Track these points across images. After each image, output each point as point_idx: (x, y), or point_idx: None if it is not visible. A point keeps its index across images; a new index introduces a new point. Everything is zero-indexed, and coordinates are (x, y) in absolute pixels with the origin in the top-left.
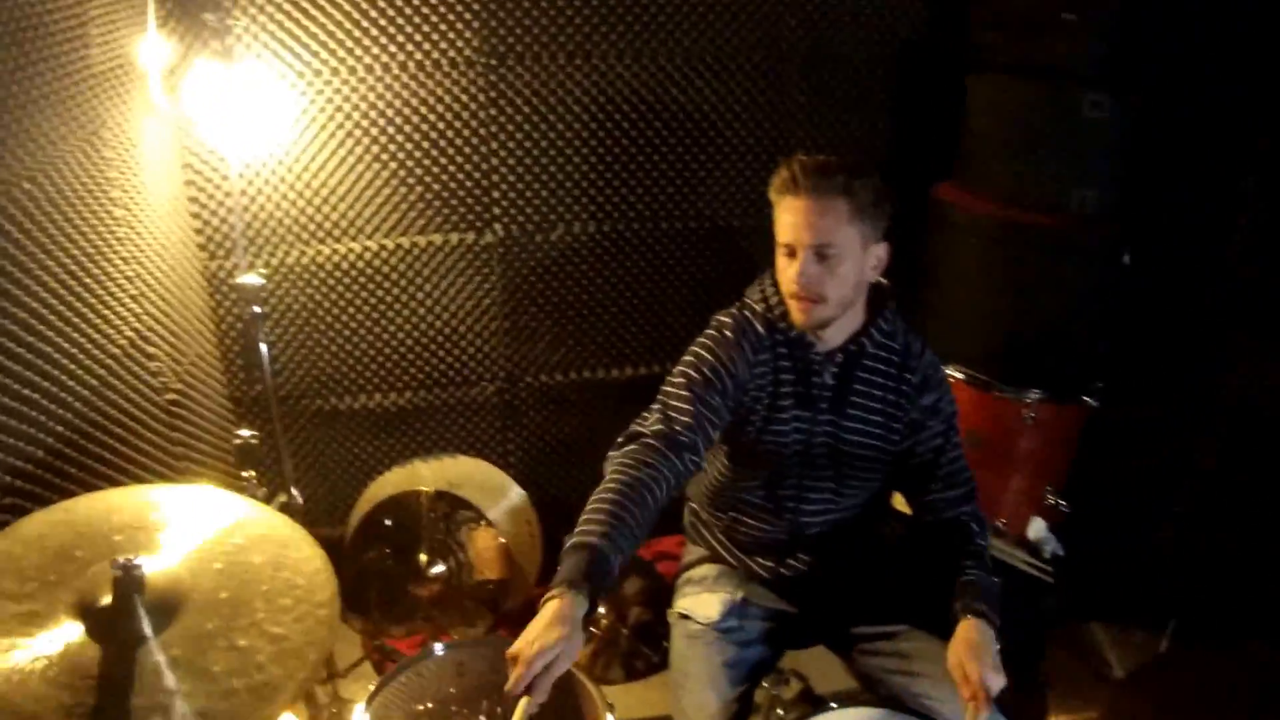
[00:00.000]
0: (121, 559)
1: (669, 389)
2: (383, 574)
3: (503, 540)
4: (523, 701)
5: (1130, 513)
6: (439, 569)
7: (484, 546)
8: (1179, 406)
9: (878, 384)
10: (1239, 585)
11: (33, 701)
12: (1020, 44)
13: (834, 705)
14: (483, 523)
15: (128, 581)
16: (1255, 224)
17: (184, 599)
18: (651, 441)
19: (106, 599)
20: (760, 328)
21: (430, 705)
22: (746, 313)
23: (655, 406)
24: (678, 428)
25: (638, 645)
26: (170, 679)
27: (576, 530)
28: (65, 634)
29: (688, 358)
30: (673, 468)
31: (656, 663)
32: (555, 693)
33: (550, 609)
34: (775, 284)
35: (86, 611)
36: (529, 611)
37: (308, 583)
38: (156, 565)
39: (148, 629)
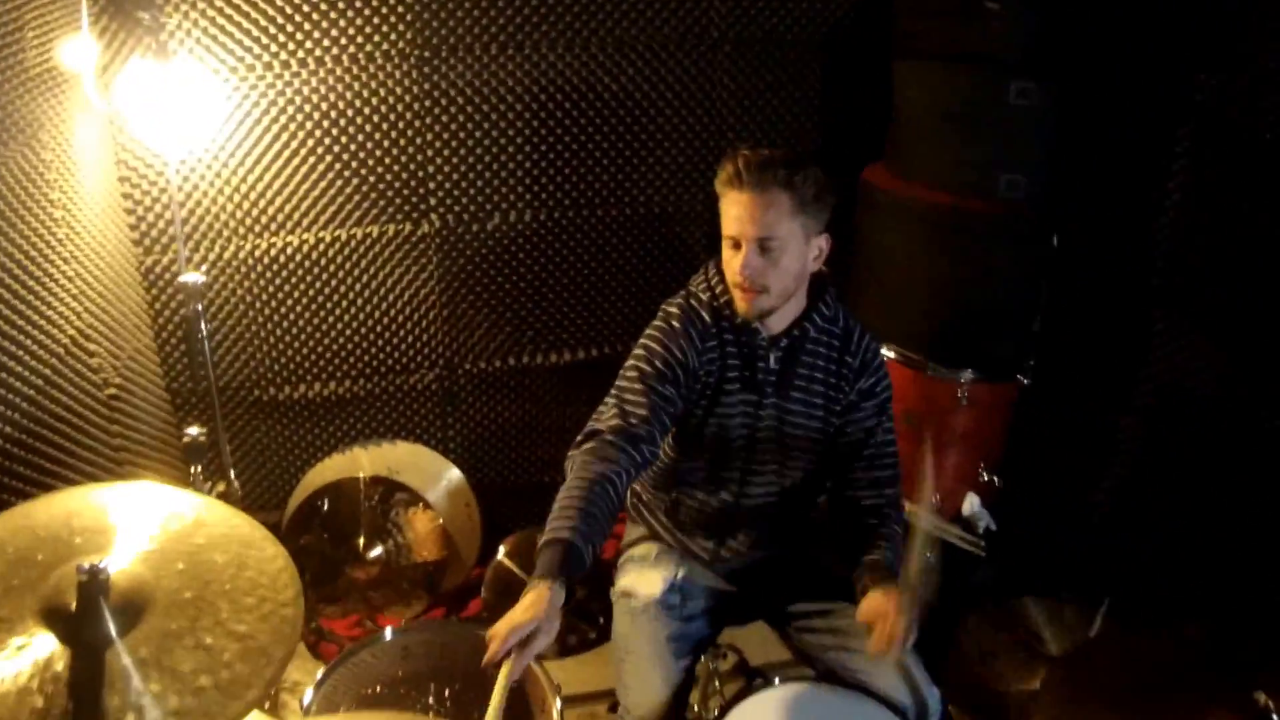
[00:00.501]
0: (86, 564)
1: (623, 384)
2: (319, 557)
3: (440, 522)
4: (504, 670)
5: (1061, 489)
6: (377, 552)
7: (422, 528)
8: (1106, 384)
9: (820, 367)
10: (1170, 563)
11: (6, 709)
12: (947, 31)
13: (776, 680)
14: (421, 505)
15: (92, 585)
16: (1180, 209)
17: (149, 600)
18: (610, 438)
19: (72, 604)
20: (706, 316)
21: (378, 689)
22: (693, 301)
23: (610, 401)
24: (634, 421)
25: (574, 622)
26: (140, 680)
27: (549, 527)
28: (33, 639)
29: (639, 350)
30: (631, 460)
31: (592, 639)
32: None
33: (529, 596)
34: (720, 273)
35: (53, 616)
36: (467, 591)
37: (271, 582)
38: (120, 567)
39: (114, 632)
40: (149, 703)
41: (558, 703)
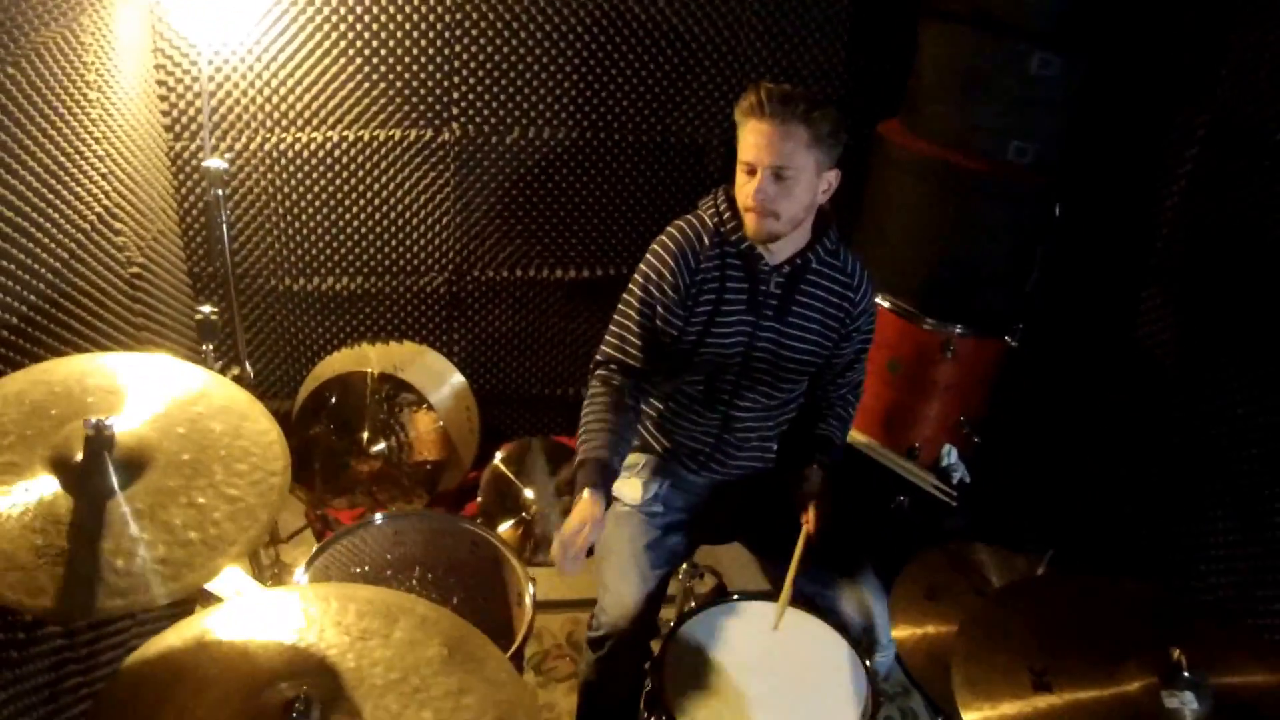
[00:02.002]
0: (94, 419)
1: (619, 316)
2: (326, 448)
3: (442, 424)
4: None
5: (1039, 450)
6: (379, 447)
7: (424, 429)
8: (1092, 355)
9: (820, 296)
10: (1120, 525)
11: (8, 542)
12: None
13: (735, 596)
14: (424, 406)
15: (99, 440)
16: (1187, 195)
17: (150, 458)
18: (614, 367)
19: (79, 455)
20: (706, 238)
21: (366, 569)
22: (696, 223)
23: (613, 330)
24: (630, 351)
25: None
26: (134, 528)
27: (584, 446)
28: (40, 485)
29: (636, 278)
30: (636, 383)
31: (589, 553)
32: (486, 568)
33: (582, 503)
34: (728, 199)
35: (60, 466)
36: (464, 494)
37: (263, 452)
38: (125, 426)
39: (115, 484)
40: (139, 550)
41: (530, 588)
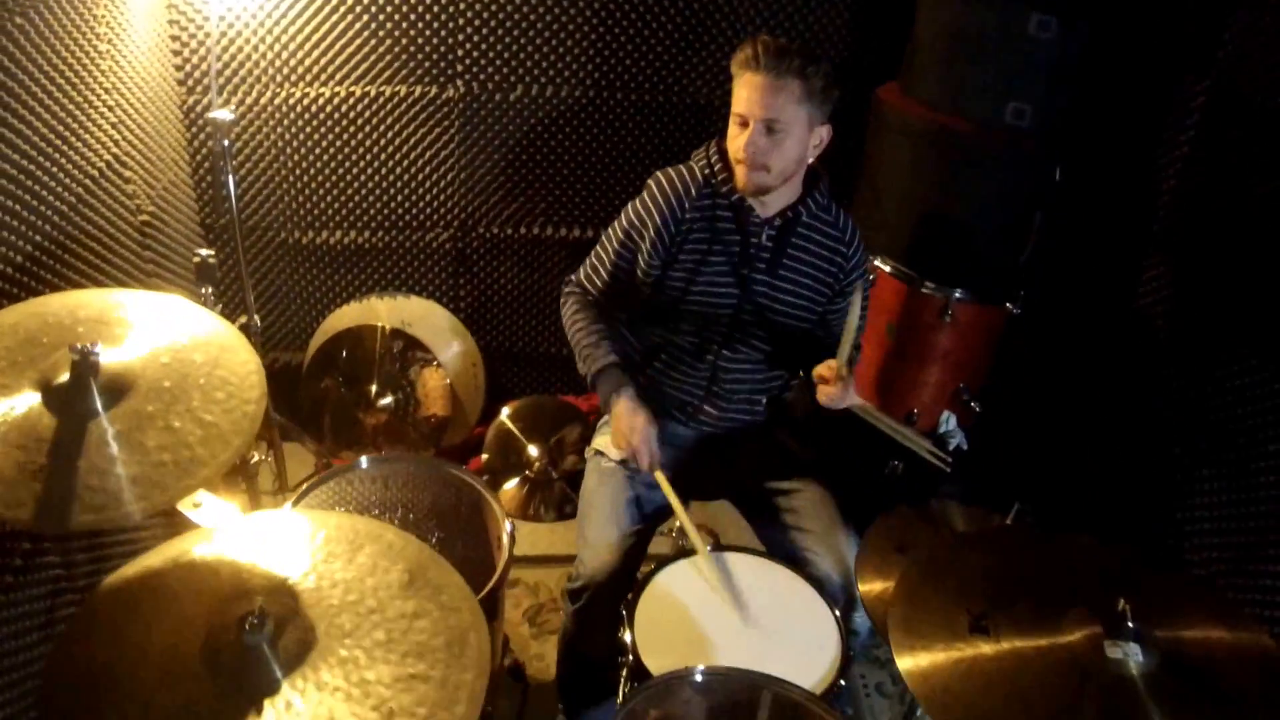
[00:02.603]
0: (80, 345)
1: (598, 248)
2: (336, 400)
3: (449, 381)
4: (660, 474)
5: (1030, 417)
6: (387, 400)
7: (432, 385)
8: (1095, 323)
9: (812, 251)
10: (1107, 491)
11: None
12: None
13: (708, 548)
14: (434, 363)
15: (84, 364)
16: (1190, 160)
17: (131, 384)
18: (581, 290)
19: (65, 378)
20: (694, 188)
21: (351, 509)
22: (685, 172)
23: (589, 261)
24: (597, 283)
25: (568, 491)
26: (112, 449)
27: (593, 356)
28: (26, 405)
29: (620, 219)
30: (603, 305)
31: None
32: (468, 512)
33: (622, 405)
34: (720, 151)
35: (46, 387)
36: (469, 449)
37: (240, 382)
38: (111, 354)
39: (98, 406)
40: (114, 468)
41: (507, 527)
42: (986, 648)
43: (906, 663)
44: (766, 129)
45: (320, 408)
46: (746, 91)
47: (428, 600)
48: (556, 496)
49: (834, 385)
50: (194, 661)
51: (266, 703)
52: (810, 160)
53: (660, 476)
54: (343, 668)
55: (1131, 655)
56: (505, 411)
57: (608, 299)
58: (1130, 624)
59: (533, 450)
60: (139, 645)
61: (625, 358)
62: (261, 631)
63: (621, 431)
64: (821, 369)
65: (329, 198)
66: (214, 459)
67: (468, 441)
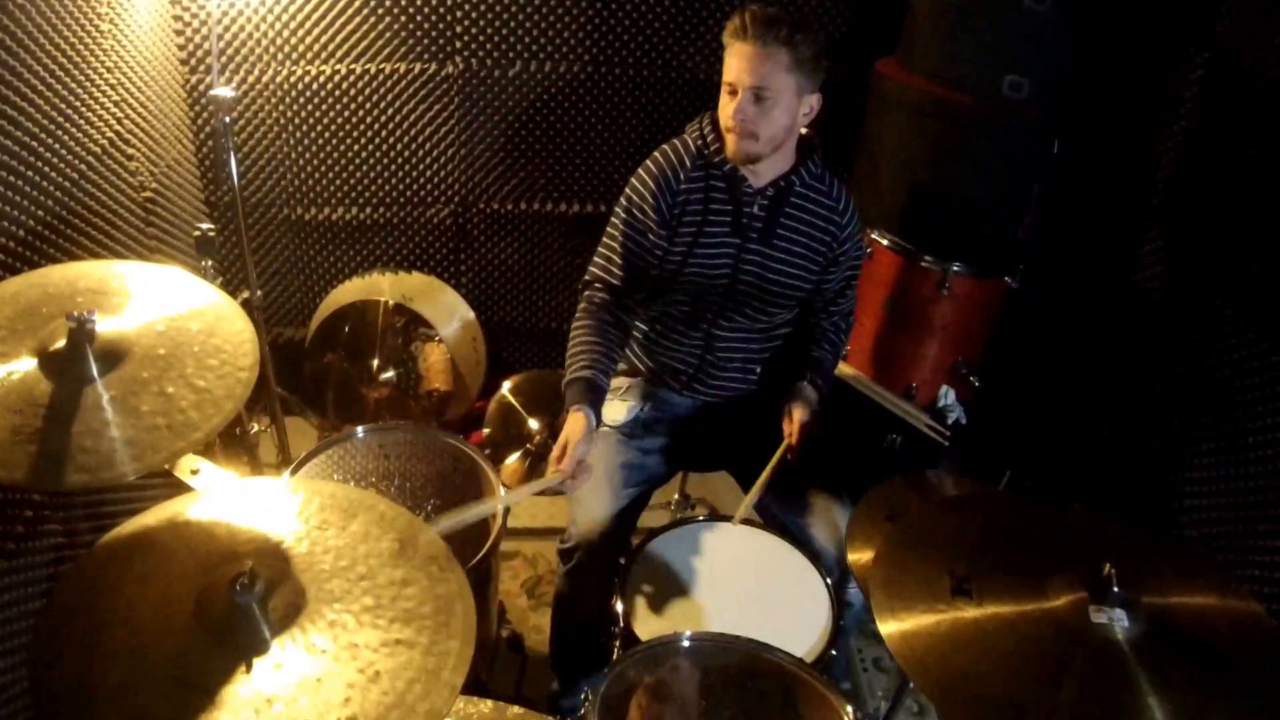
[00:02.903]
0: (77, 313)
1: (606, 237)
2: (339, 374)
3: (450, 356)
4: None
5: (1030, 391)
6: (389, 375)
7: (434, 359)
8: (1094, 297)
9: (805, 220)
10: (1105, 461)
11: None
12: None
13: (700, 517)
14: (435, 339)
15: (80, 332)
16: (1188, 134)
17: (127, 351)
18: (599, 287)
19: (61, 344)
20: (689, 160)
21: (349, 478)
22: (680, 145)
23: (600, 250)
24: (614, 270)
25: None
26: (107, 413)
27: (571, 366)
28: (23, 371)
29: (622, 201)
30: (620, 303)
31: None
32: (464, 480)
33: (570, 422)
34: (713, 122)
35: (43, 354)
36: (470, 423)
37: (234, 350)
38: (108, 323)
39: (94, 372)
40: (107, 431)
41: (502, 491)
42: (969, 611)
43: (888, 625)
44: (755, 97)
45: (323, 382)
46: (735, 60)
47: (416, 570)
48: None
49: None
50: (185, 618)
51: (256, 661)
52: (802, 130)
53: (553, 473)
54: (331, 631)
55: (1117, 621)
56: (506, 386)
57: (625, 282)
58: (1116, 589)
59: (534, 424)
60: (131, 600)
61: (604, 367)
62: (252, 591)
63: (563, 437)
64: (785, 420)
65: (330, 174)
66: (207, 422)
67: (469, 415)
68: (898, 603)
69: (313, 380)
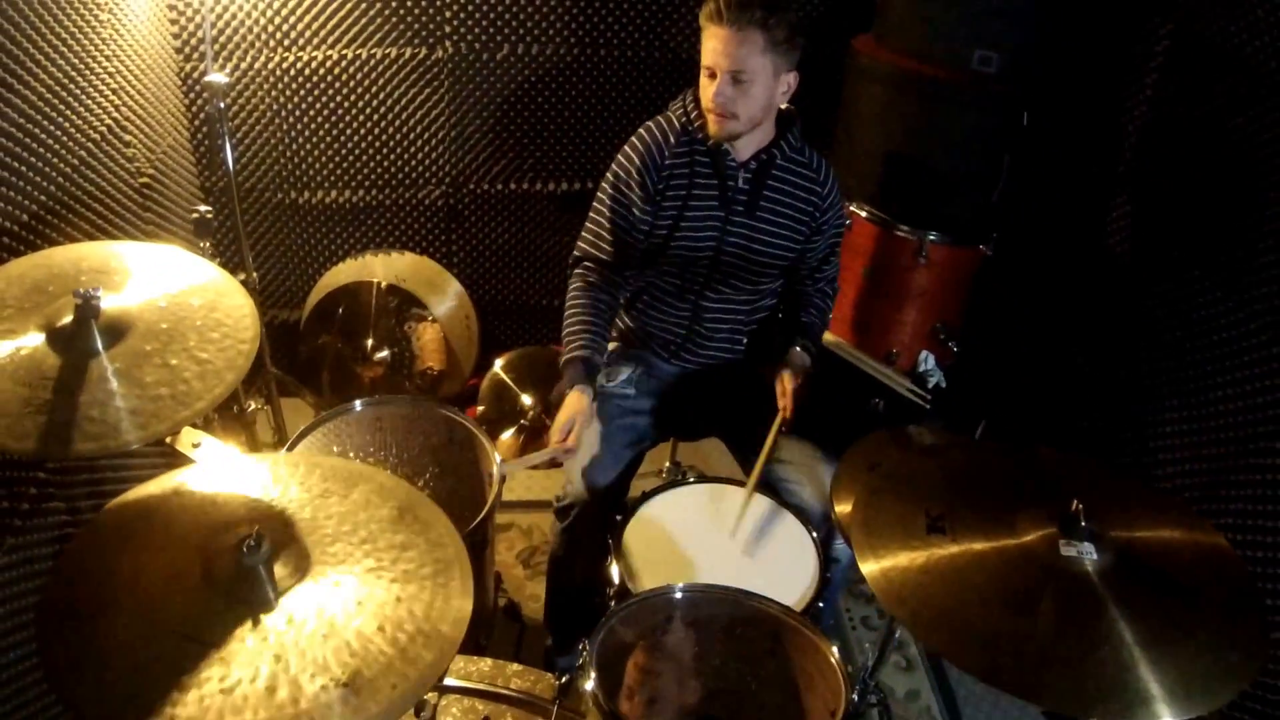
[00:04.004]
0: (83, 289)
1: (593, 213)
2: (334, 355)
3: (444, 334)
4: (555, 445)
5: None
6: (384, 354)
7: (427, 338)
8: (1064, 263)
9: (788, 191)
10: (1061, 412)
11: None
12: None
13: (691, 479)
14: (429, 319)
15: (86, 307)
16: (1153, 103)
17: (130, 326)
18: (590, 264)
19: (68, 320)
20: (673, 137)
21: (350, 455)
22: (664, 123)
23: (588, 227)
24: (603, 245)
25: None
26: (112, 384)
27: (568, 345)
28: (31, 346)
29: (608, 177)
30: (611, 278)
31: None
32: (460, 450)
33: (570, 399)
34: (695, 99)
35: (50, 329)
36: (464, 400)
37: (235, 324)
38: (111, 299)
39: (99, 346)
40: (113, 401)
41: (497, 459)
42: (945, 548)
43: (869, 564)
44: (733, 80)
45: (318, 363)
46: (713, 43)
47: (416, 535)
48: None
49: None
50: (193, 580)
51: (263, 618)
52: (782, 106)
53: (553, 446)
54: (335, 591)
55: (1086, 554)
56: (498, 363)
57: (614, 257)
58: (1083, 524)
59: (526, 399)
60: (138, 564)
61: (599, 345)
62: (259, 553)
63: (560, 419)
64: (778, 387)
65: (323, 158)
66: (209, 392)
67: (463, 393)
68: (876, 541)
69: (308, 361)
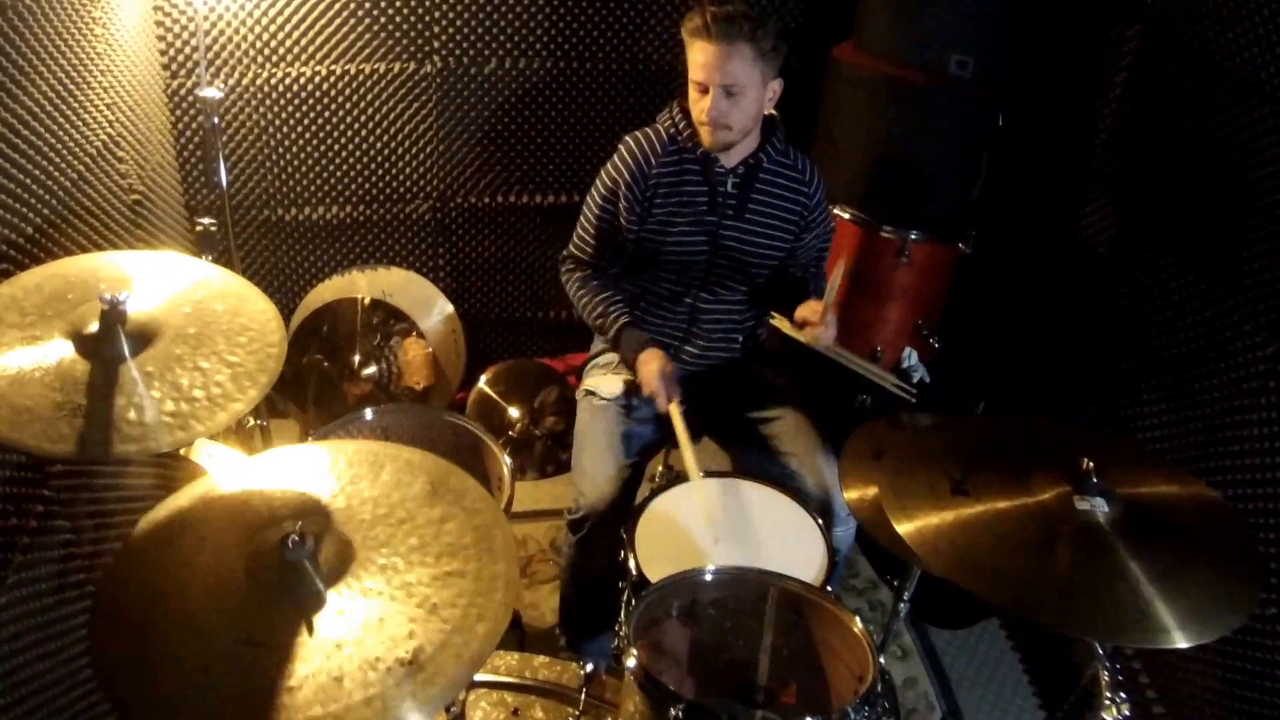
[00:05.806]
0: (109, 295)
1: (581, 218)
2: (320, 373)
3: (430, 350)
4: (674, 407)
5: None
6: (370, 370)
7: (414, 354)
8: (1041, 259)
9: (775, 193)
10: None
11: (30, 399)
12: None
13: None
14: (414, 333)
15: (113, 313)
16: (1123, 101)
17: (158, 332)
18: (571, 264)
19: (95, 326)
20: (660, 146)
21: None
22: (651, 133)
23: (577, 233)
24: (587, 248)
25: (551, 449)
26: (144, 387)
27: (611, 317)
28: (59, 353)
29: (596, 184)
30: (602, 268)
31: (565, 461)
32: (467, 455)
33: (647, 358)
34: (683, 110)
35: (77, 337)
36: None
37: (261, 328)
38: (135, 306)
39: (127, 351)
40: (149, 404)
41: (506, 460)
42: (969, 507)
43: (903, 524)
44: (725, 93)
45: (304, 381)
46: (702, 58)
47: (452, 505)
48: (539, 455)
49: (819, 325)
50: (239, 584)
51: (316, 614)
52: (767, 110)
53: (675, 409)
54: (383, 574)
55: (1098, 507)
56: (484, 378)
57: (600, 258)
58: (1095, 480)
59: (513, 412)
60: (180, 576)
61: (631, 306)
62: (303, 548)
63: (647, 378)
64: (805, 312)
65: (311, 174)
66: (245, 394)
67: (450, 408)
68: (908, 502)
69: (294, 379)
